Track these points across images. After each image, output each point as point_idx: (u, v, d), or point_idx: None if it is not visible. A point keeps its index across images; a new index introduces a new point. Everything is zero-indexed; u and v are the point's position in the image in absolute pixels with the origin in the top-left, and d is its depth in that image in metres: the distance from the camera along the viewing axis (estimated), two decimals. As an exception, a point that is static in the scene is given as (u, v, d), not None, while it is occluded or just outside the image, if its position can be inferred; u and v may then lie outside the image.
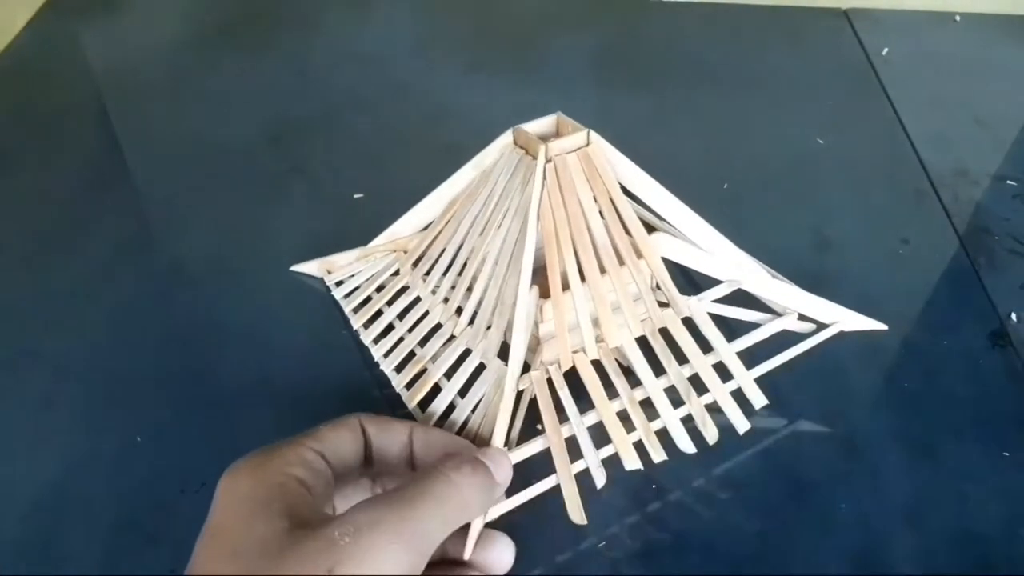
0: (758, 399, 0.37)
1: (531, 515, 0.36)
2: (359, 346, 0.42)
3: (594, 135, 0.36)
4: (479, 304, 0.39)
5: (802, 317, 0.41)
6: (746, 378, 0.38)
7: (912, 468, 0.38)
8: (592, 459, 0.35)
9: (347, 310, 0.44)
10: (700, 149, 0.57)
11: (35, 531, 0.35)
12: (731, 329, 0.40)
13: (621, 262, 0.37)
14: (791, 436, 0.39)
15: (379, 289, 0.44)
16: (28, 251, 0.49)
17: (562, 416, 0.36)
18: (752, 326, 0.40)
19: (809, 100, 0.62)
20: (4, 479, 0.37)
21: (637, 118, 0.60)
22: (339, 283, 0.46)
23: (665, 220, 0.40)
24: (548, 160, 0.35)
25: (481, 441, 0.35)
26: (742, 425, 0.37)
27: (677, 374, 0.37)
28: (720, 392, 0.37)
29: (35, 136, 0.57)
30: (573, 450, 0.35)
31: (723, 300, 0.40)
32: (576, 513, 0.34)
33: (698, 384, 0.37)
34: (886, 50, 0.67)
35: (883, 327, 0.41)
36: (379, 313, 0.43)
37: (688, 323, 0.39)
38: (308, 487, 0.28)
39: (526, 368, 0.37)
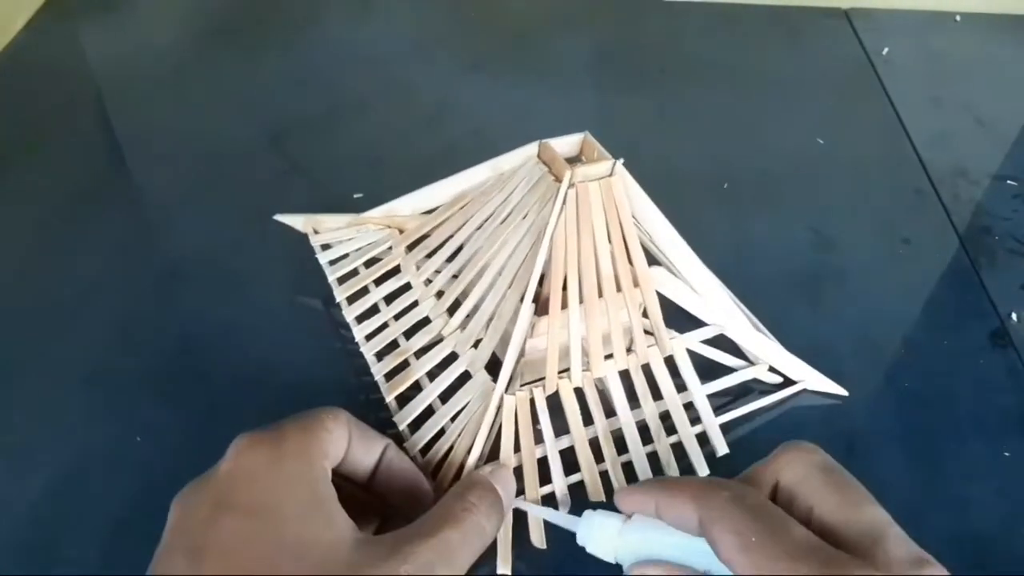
0: (720, 447, 0.38)
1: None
2: (356, 351, 0.42)
3: (619, 166, 0.36)
4: (473, 311, 0.39)
5: (772, 369, 0.41)
6: (712, 424, 0.38)
7: (912, 468, 0.38)
8: (560, 485, 0.36)
9: (331, 278, 0.43)
10: (700, 149, 0.57)
11: (35, 531, 0.35)
12: (712, 367, 0.41)
13: (619, 290, 0.37)
14: (791, 436, 0.39)
15: (368, 264, 0.44)
16: (28, 251, 0.49)
17: (538, 437, 0.37)
18: (729, 369, 0.41)
19: (809, 100, 0.62)
20: (4, 479, 0.37)
21: (637, 118, 0.60)
22: (325, 247, 0.45)
23: (667, 257, 0.40)
24: (571, 186, 0.35)
25: (458, 453, 0.35)
26: (702, 469, 0.37)
27: (652, 413, 0.38)
28: (687, 435, 0.38)
29: (35, 136, 0.57)
30: (544, 470, 0.36)
31: (707, 341, 0.41)
32: (537, 536, 0.34)
33: (671, 421, 0.38)
34: (886, 50, 0.67)
35: (844, 392, 0.41)
36: (365, 290, 0.43)
37: (670, 361, 0.39)
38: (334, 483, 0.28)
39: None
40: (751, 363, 0.41)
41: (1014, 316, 0.45)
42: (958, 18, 0.72)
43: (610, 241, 0.36)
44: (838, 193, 0.53)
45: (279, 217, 0.47)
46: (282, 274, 0.47)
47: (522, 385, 0.37)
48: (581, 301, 0.36)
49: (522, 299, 0.35)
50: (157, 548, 0.26)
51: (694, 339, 0.40)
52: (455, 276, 0.40)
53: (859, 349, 0.43)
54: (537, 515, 0.34)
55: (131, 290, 0.46)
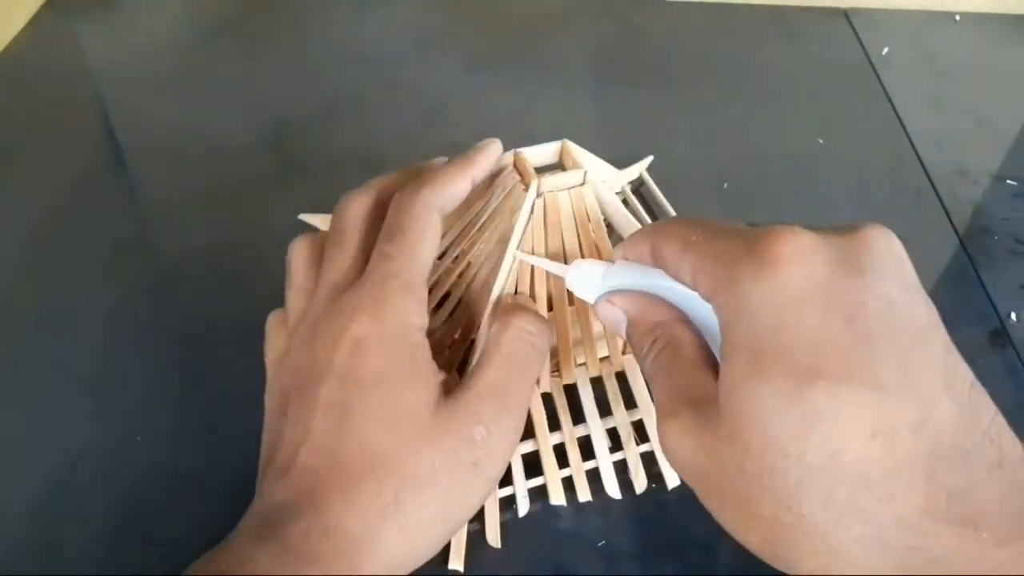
0: None
1: (530, 513, 0.36)
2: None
3: (590, 175, 0.36)
4: (449, 315, 0.39)
5: None
6: None
7: (912, 468, 0.38)
8: (520, 488, 0.36)
9: None
10: (700, 149, 0.57)
11: (35, 531, 0.35)
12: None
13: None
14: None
15: None
16: (28, 251, 0.49)
17: None
18: None
19: (809, 100, 0.62)
20: (4, 479, 0.37)
21: (637, 118, 0.60)
22: None
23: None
24: (539, 195, 0.35)
25: None
26: (672, 480, 0.37)
27: (623, 420, 0.38)
28: (658, 444, 0.38)
29: (35, 136, 0.57)
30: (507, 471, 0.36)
31: None
32: (492, 536, 0.34)
33: (643, 429, 0.38)
34: (886, 50, 0.67)
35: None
36: None
37: None
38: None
39: None
40: None
41: (1014, 316, 0.45)
42: (958, 18, 0.72)
43: (582, 250, 0.37)
44: (838, 193, 0.53)
45: (303, 216, 0.48)
46: (283, 274, 0.47)
47: None
48: (551, 309, 0.37)
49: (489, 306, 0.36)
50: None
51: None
52: (439, 279, 0.41)
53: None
54: (532, 262, 0.34)
55: (131, 290, 0.46)
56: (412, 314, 0.28)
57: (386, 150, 0.56)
